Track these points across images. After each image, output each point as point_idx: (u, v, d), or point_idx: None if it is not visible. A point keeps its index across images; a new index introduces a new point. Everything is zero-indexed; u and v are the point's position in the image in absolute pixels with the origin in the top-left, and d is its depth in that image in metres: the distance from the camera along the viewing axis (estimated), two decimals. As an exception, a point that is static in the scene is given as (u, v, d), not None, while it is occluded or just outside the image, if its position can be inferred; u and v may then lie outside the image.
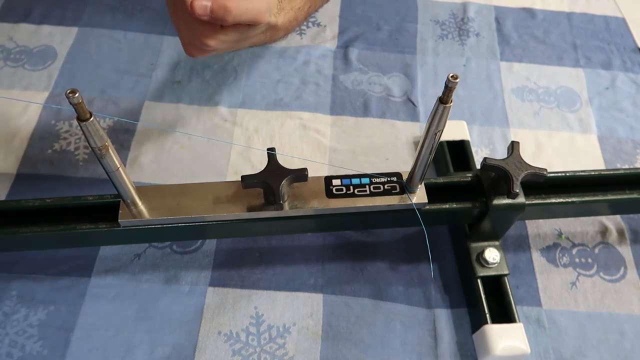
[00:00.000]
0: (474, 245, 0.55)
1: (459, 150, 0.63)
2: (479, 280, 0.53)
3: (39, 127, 0.65)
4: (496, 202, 0.49)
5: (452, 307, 0.55)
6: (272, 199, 0.46)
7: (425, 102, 0.71)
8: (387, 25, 0.79)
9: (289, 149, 0.65)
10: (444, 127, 0.41)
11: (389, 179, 0.49)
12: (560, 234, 0.61)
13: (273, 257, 0.57)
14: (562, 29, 0.80)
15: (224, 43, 0.51)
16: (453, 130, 0.64)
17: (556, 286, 0.57)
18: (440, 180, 0.52)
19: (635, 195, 0.53)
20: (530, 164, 0.48)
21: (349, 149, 0.66)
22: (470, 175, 0.52)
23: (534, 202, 0.51)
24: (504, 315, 0.52)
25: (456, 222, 0.57)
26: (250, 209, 0.47)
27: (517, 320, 0.52)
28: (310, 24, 0.78)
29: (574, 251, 0.60)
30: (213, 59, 0.73)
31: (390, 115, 0.69)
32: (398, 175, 0.49)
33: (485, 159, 0.48)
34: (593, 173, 0.54)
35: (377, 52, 0.75)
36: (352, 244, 0.59)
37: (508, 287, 0.53)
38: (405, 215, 0.49)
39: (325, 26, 0.78)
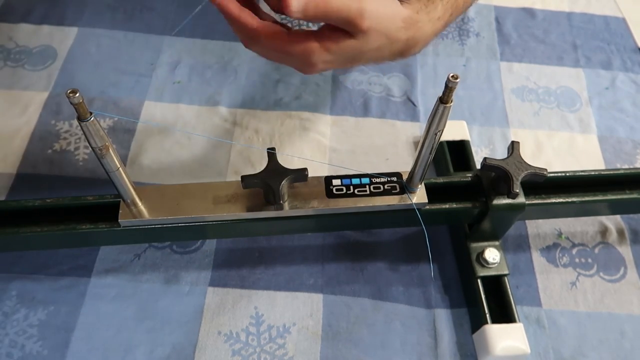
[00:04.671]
0: (474, 245, 0.55)
1: (459, 150, 0.63)
2: (479, 280, 0.53)
3: (39, 127, 0.65)
4: (496, 202, 0.49)
5: (452, 307, 0.55)
6: (272, 199, 0.46)
7: (425, 102, 0.71)
8: (387, 25, 0.78)
9: (289, 149, 0.65)
10: (444, 127, 0.41)
11: (389, 179, 0.49)
12: (560, 234, 0.61)
13: (273, 257, 0.57)
14: (562, 29, 0.80)
15: (329, 63, 0.45)
16: (453, 130, 0.64)
17: (556, 286, 0.57)
18: (440, 180, 0.52)
19: (635, 195, 0.53)
20: (530, 164, 0.48)
21: (349, 149, 0.66)
22: (470, 175, 0.52)
23: (534, 202, 0.51)
24: (504, 315, 0.52)
25: (456, 222, 0.57)
26: (250, 209, 0.47)
27: (517, 320, 0.52)
28: (310, 24, 0.78)
29: (574, 251, 0.60)
30: (213, 58, 0.73)
31: (390, 115, 0.69)
32: (398, 175, 0.49)
33: (485, 159, 0.48)
34: (593, 173, 0.54)
35: (377, 52, 0.75)
36: (352, 244, 0.59)
37: (508, 287, 0.53)
38: (405, 215, 0.49)
39: (325, 26, 0.78)
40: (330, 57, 0.44)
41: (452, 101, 0.39)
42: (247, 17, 0.42)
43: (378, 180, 0.49)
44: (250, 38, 0.43)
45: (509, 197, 0.48)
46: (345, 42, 0.43)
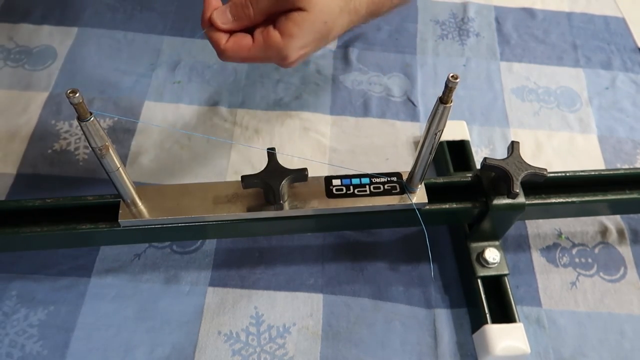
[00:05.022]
0: (474, 245, 0.55)
1: (459, 150, 0.63)
2: (479, 280, 0.53)
3: (39, 127, 0.65)
4: (496, 202, 0.49)
5: (452, 307, 0.55)
6: (272, 199, 0.46)
7: (425, 102, 0.71)
8: (387, 25, 0.79)
9: (289, 149, 0.65)
10: (444, 127, 0.41)
11: (389, 179, 0.49)
12: (560, 234, 0.61)
13: (273, 257, 0.57)
14: (562, 29, 0.80)
15: (304, 48, 0.46)
16: (453, 130, 0.64)
17: (556, 286, 0.57)
18: (440, 180, 0.52)
19: (635, 195, 0.53)
20: (530, 164, 0.48)
21: (349, 149, 0.66)
22: (470, 175, 0.52)
23: (534, 202, 0.51)
24: (504, 315, 0.52)
25: (456, 222, 0.57)
26: (250, 209, 0.47)
27: (517, 320, 0.52)
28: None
29: (574, 251, 0.60)
30: (213, 58, 0.73)
31: (390, 115, 0.69)
32: (398, 175, 0.49)
33: (485, 159, 0.48)
34: (593, 173, 0.54)
35: (377, 52, 0.75)
36: (352, 244, 0.59)
37: (508, 287, 0.53)
38: (405, 215, 0.49)
39: (325, 26, 0.78)
40: (300, 42, 0.45)
41: (452, 101, 0.39)
42: (216, 35, 0.45)
43: (378, 180, 0.49)
44: (219, 54, 0.46)
45: (509, 197, 0.48)
46: (301, 19, 0.44)
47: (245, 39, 0.45)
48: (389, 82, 0.72)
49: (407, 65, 0.74)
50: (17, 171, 0.62)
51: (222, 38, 0.45)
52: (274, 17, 0.46)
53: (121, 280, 0.55)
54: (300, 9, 0.44)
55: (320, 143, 0.66)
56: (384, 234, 0.59)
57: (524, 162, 0.48)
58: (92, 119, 0.37)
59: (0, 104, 0.67)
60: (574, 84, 0.74)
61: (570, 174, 0.53)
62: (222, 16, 0.45)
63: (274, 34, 0.45)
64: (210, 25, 0.45)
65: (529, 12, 0.82)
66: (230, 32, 0.46)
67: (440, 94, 0.39)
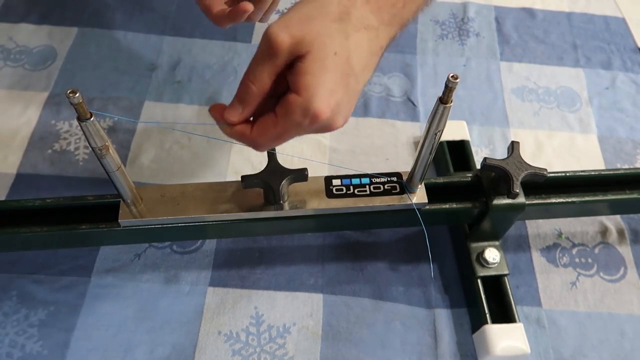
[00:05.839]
0: (474, 245, 0.55)
1: (459, 150, 0.63)
2: (479, 280, 0.53)
3: (39, 127, 0.65)
4: (496, 202, 0.49)
5: (452, 307, 0.55)
6: (272, 199, 0.46)
7: (425, 102, 0.71)
8: (387, 25, 0.78)
9: (289, 149, 0.65)
10: (444, 127, 0.41)
11: (389, 179, 0.49)
12: (560, 234, 0.61)
13: (273, 257, 0.57)
14: (562, 29, 0.80)
15: (333, 95, 0.39)
16: (453, 130, 0.64)
17: (556, 286, 0.57)
18: (440, 180, 0.52)
19: (635, 195, 0.53)
20: (530, 164, 0.48)
21: (349, 149, 0.66)
22: (470, 175, 0.52)
23: (534, 202, 0.51)
24: (504, 315, 0.52)
25: (456, 222, 0.57)
26: (250, 209, 0.47)
27: (517, 320, 0.52)
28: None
29: (574, 251, 0.60)
30: (213, 58, 0.73)
31: (390, 115, 0.69)
32: (398, 175, 0.49)
33: (485, 159, 0.48)
34: (593, 173, 0.54)
35: (377, 52, 0.75)
36: (352, 244, 0.59)
37: (508, 287, 0.53)
38: (405, 215, 0.49)
39: (325, 26, 0.77)
40: (322, 89, 0.38)
41: (452, 101, 0.39)
42: (238, 130, 0.42)
43: (378, 180, 0.49)
44: (251, 146, 0.42)
45: (509, 197, 0.48)
46: (307, 65, 0.38)
47: (267, 118, 0.40)
48: (389, 82, 0.72)
49: (407, 65, 0.74)
50: (17, 171, 0.62)
51: (245, 130, 0.41)
52: (285, 81, 0.40)
53: (121, 280, 0.55)
54: (300, 56, 0.38)
55: (320, 143, 0.66)
56: (384, 234, 0.59)
57: (524, 162, 0.48)
58: (92, 119, 0.37)
59: (0, 104, 0.67)
60: (574, 84, 0.74)
61: (570, 174, 0.53)
62: (232, 111, 0.41)
63: (291, 96, 0.38)
64: (228, 125, 0.42)
65: (529, 12, 0.82)
66: (252, 120, 0.41)
67: (440, 94, 0.39)
